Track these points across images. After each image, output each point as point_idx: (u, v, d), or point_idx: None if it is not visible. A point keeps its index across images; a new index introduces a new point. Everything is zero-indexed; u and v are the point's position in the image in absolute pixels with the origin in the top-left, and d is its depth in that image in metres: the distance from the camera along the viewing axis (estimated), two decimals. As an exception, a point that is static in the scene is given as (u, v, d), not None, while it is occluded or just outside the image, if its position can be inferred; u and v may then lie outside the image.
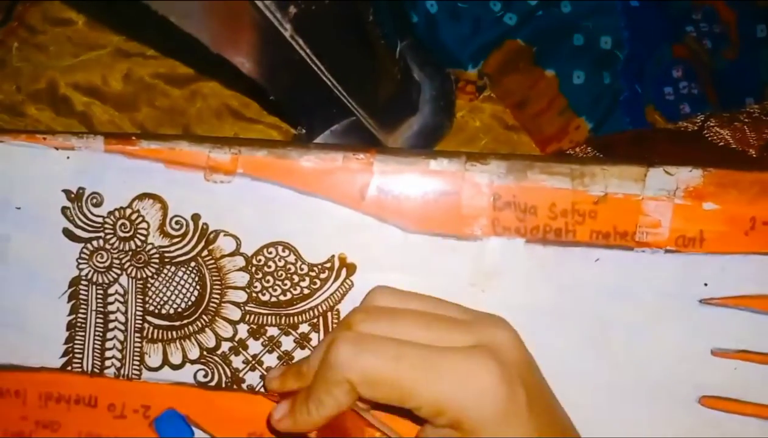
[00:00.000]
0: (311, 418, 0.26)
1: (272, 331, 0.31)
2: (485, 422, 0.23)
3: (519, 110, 0.47)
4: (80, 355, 0.32)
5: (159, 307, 0.31)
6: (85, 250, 0.31)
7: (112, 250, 0.31)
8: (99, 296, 0.32)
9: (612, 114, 0.46)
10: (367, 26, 0.36)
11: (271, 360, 0.31)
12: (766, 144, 0.37)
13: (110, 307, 0.32)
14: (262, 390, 0.31)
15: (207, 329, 0.31)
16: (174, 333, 0.31)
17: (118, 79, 0.47)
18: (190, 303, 0.31)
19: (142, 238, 0.31)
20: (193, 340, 0.31)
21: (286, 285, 0.31)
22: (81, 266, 0.31)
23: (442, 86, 0.47)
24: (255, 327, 0.31)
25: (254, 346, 0.31)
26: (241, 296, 0.31)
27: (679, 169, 0.29)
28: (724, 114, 0.40)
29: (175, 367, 0.32)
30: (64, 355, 0.32)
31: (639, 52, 0.48)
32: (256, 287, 0.31)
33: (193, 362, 0.32)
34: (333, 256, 0.30)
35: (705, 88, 0.47)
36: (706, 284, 0.29)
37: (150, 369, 0.32)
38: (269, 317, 0.31)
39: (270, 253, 0.31)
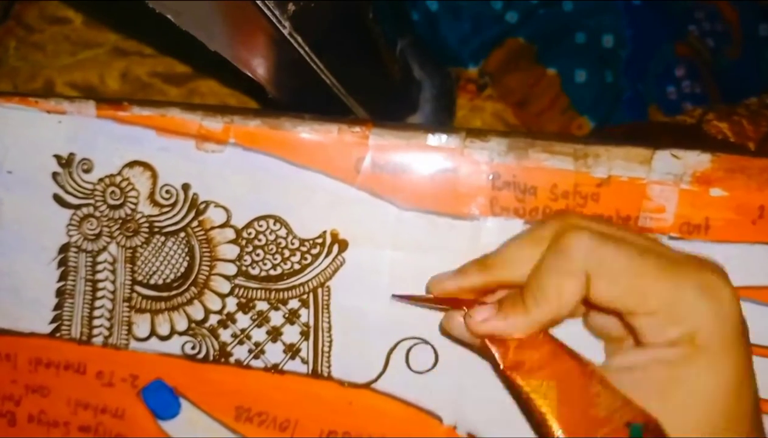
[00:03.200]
0: (529, 316, 0.22)
1: (261, 305, 0.31)
2: (720, 341, 0.21)
3: (520, 109, 0.47)
4: (69, 322, 0.32)
5: (147, 277, 0.31)
6: (75, 217, 0.31)
7: (101, 218, 0.31)
8: (88, 264, 0.31)
9: (614, 113, 0.46)
10: (367, 24, 0.35)
11: (259, 335, 0.31)
12: (764, 137, 0.36)
13: (99, 275, 0.31)
14: (404, 298, 0.28)
15: (195, 301, 0.31)
16: (162, 304, 0.31)
17: (115, 77, 0.47)
18: (179, 274, 0.31)
19: (132, 206, 0.30)
20: (181, 311, 0.31)
21: (276, 259, 0.30)
22: (71, 233, 0.31)
23: (443, 85, 0.46)
24: (244, 301, 0.31)
25: (243, 320, 0.31)
26: (230, 269, 0.30)
27: (687, 153, 0.28)
28: (722, 107, 0.39)
29: (162, 338, 0.31)
30: (53, 322, 0.32)
31: (641, 50, 0.47)
32: (245, 260, 0.30)
33: (181, 334, 0.31)
34: (325, 232, 0.30)
35: (708, 87, 0.46)
36: (710, 274, 0.28)
37: (138, 339, 0.31)
38: (258, 291, 0.30)
39: (261, 226, 0.30)
